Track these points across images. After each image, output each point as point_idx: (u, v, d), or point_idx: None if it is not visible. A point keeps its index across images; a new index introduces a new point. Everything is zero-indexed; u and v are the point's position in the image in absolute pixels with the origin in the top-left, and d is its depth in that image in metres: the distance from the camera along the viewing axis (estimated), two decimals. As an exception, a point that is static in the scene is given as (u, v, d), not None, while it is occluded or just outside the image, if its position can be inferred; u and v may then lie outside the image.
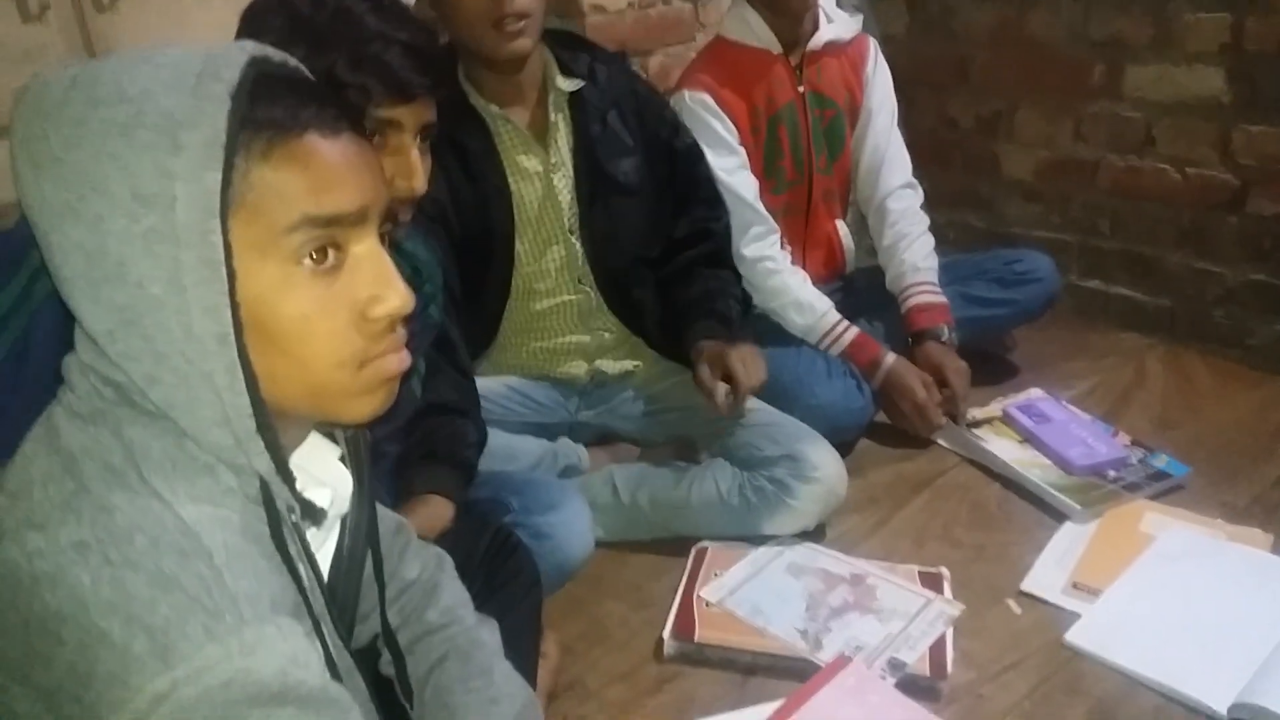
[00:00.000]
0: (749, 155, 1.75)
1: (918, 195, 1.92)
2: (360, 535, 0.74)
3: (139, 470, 0.57)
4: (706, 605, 1.36)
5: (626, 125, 1.56)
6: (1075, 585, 1.38)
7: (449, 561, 0.94)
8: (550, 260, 1.55)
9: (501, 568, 1.15)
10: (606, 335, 1.65)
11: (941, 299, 1.83)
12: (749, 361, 1.47)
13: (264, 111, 0.58)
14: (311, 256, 0.60)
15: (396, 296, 0.63)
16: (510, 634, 1.05)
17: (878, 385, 1.75)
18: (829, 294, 1.87)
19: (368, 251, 0.63)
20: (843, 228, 1.96)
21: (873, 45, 1.87)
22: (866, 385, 1.74)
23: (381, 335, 0.63)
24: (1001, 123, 2.42)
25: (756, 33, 1.73)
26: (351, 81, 0.99)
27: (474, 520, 1.19)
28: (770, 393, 1.63)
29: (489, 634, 0.92)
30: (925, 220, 1.90)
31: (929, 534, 1.53)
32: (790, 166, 1.81)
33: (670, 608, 1.37)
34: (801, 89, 1.77)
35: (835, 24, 1.78)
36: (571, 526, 1.30)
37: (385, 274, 0.63)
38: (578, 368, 1.64)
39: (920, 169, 1.97)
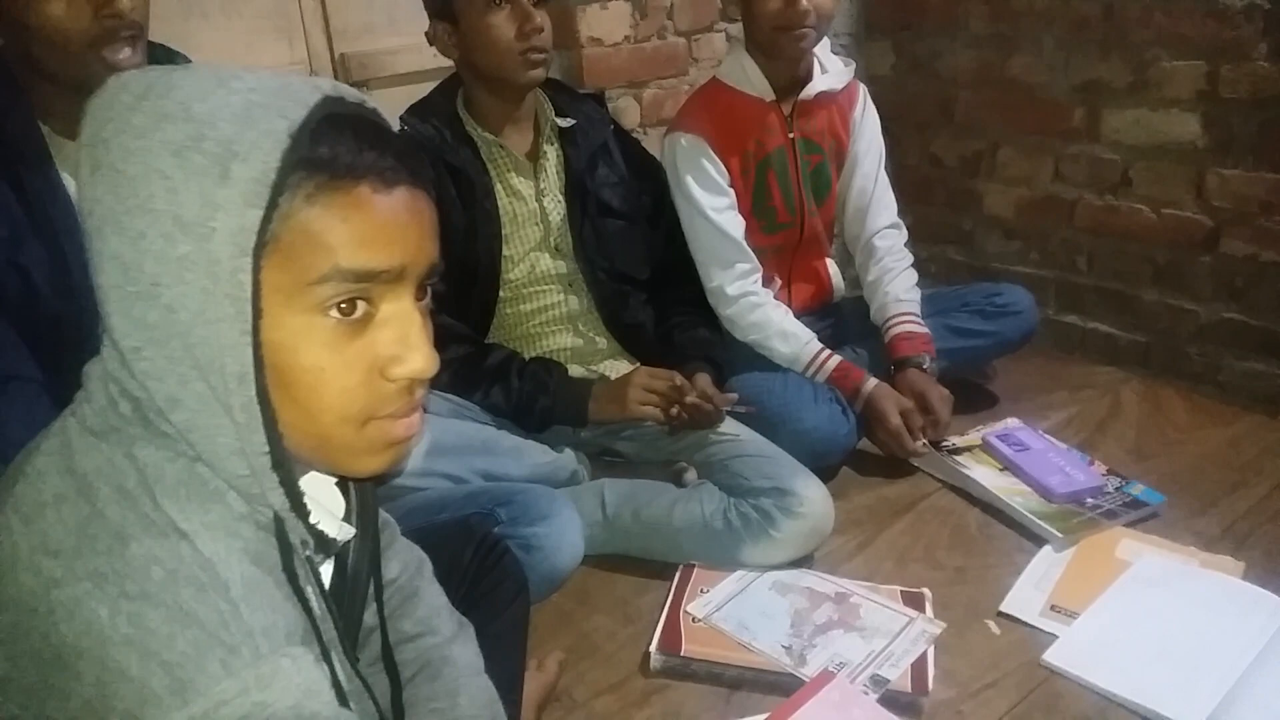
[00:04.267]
0: (738, 196, 1.81)
1: (902, 234, 1.98)
2: (364, 561, 0.74)
3: (152, 495, 0.57)
4: (693, 620, 1.38)
5: (611, 158, 1.72)
6: (1053, 607, 1.41)
7: (428, 566, 0.94)
8: (539, 266, 1.66)
9: (487, 575, 1.16)
10: (599, 341, 1.72)
11: (924, 329, 1.88)
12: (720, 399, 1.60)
13: (321, 154, 0.57)
14: (339, 308, 0.59)
15: (419, 360, 0.62)
16: (495, 641, 1.07)
17: (860, 409, 1.78)
18: (816, 323, 1.93)
19: (399, 310, 0.62)
20: (830, 264, 2.01)
21: (862, 91, 1.94)
22: (851, 411, 1.78)
23: (394, 397, 0.62)
24: (984, 161, 2.49)
25: (752, 80, 1.78)
26: None
27: (460, 528, 1.20)
28: (758, 418, 1.69)
29: (463, 647, 0.91)
30: (909, 257, 1.96)
31: (911, 556, 1.56)
32: (782, 208, 1.87)
33: (657, 622, 1.39)
34: (792, 135, 1.83)
35: (829, 74, 1.84)
36: (561, 537, 1.33)
37: (412, 335, 0.62)
38: (575, 372, 1.68)
39: (904, 205, 2.03)
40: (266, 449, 0.58)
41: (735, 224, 1.80)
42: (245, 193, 0.54)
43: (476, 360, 1.59)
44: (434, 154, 1.57)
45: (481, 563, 1.17)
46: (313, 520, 0.64)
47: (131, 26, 1.04)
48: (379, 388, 0.61)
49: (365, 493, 0.74)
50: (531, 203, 1.65)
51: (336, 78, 1.89)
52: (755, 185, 1.84)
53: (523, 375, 1.58)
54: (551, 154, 1.66)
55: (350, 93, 0.62)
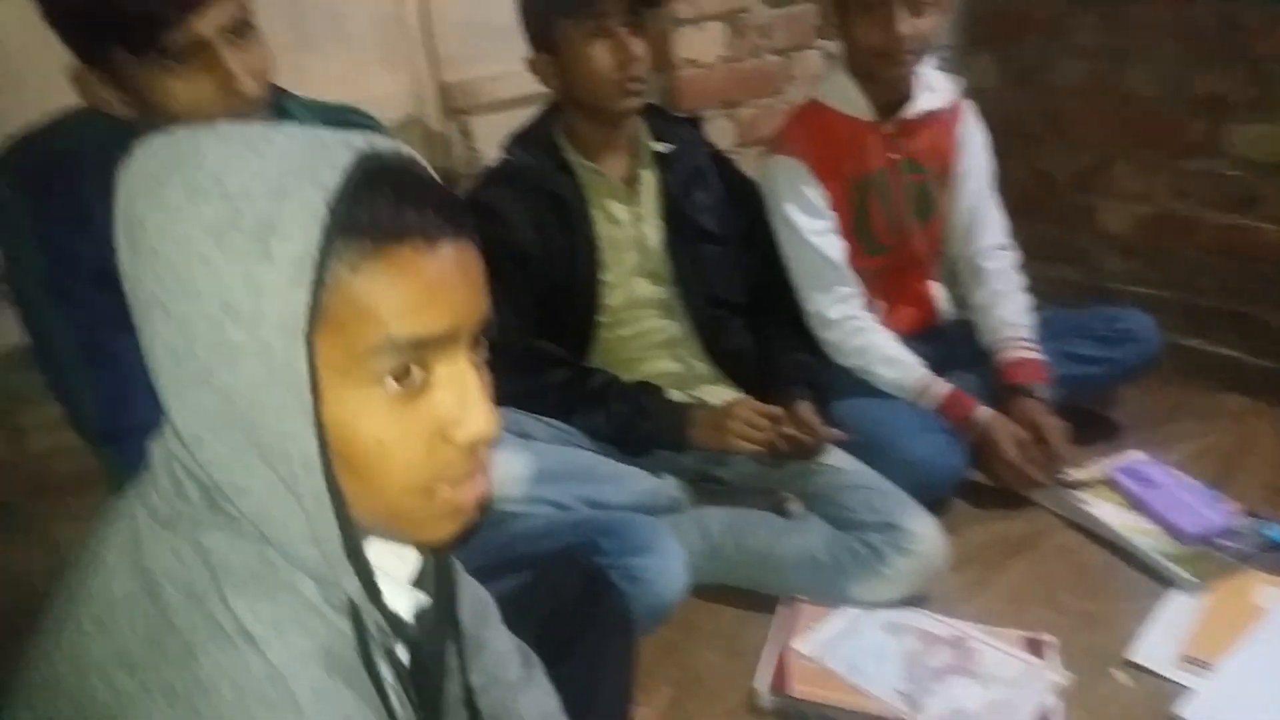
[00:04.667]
0: (838, 218, 1.76)
1: (1012, 255, 1.90)
2: (443, 631, 0.71)
3: (221, 593, 0.55)
4: (801, 659, 1.34)
5: (707, 182, 1.71)
6: (1186, 658, 1.32)
7: (494, 611, 0.90)
8: (637, 291, 1.65)
9: (593, 609, 1.14)
10: (698, 366, 1.70)
11: (1038, 355, 1.80)
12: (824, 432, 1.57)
13: (360, 220, 0.54)
14: (394, 377, 0.57)
15: (480, 421, 0.59)
16: (601, 676, 1.05)
17: (972, 440, 1.71)
18: (920, 348, 1.86)
19: (454, 372, 0.59)
20: (935, 286, 1.94)
21: (968, 109, 1.87)
22: (960, 441, 1.71)
23: (458, 461, 0.60)
24: (1097, 177, 2.38)
25: (852, 100, 1.74)
26: (134, 7, 0.94)
27: (563, 560, 1.19)
28: (863, 446, 1.64)
29: (531, 693, 0.88)
30: (1020, 279, 1.88)
31: (1031, 597, 1.49)
32: (883, 230, 1.81)
33: (763, 658, 1.35)
34: (894, 155, 1.78)
35: (934, 93, 1.78)
36: (665, 568, 1.30)
37: (470, 396, 0.60)
38: (674, 397, 1.65)
39: (1012, 220, 1.95)
40: (339, 536, 0.56)
41: (835, 247, 1.76)
42: (290, 273, 0.52)
43: (577, 384, 1.59)
44: (534, 181, 1.58)
45: (585, 596, 1.15)
46: (386, 599, 0.62)
47: (252, 102, 1.02)
48: (442, 453, 0.59)
49: (442, 559, 0.72)
50: (629, 228, 1.64)
51: (441, 106, 1.92)
52: (856, 207, 1.79)
53: (623, 398, 1.56)
54: (649, 179, 1.66)
55: (385, 145, 0.59)
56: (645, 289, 1.66)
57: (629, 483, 1.53)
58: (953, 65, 2.50)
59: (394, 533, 0.63)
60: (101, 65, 0.99)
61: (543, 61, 1.56)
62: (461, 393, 0.59)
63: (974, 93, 2.45)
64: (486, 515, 0.65)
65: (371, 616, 0.60)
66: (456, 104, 1.91)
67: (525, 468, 1.39)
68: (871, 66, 1.68)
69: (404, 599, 0.67)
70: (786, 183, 1.74)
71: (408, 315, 0.56)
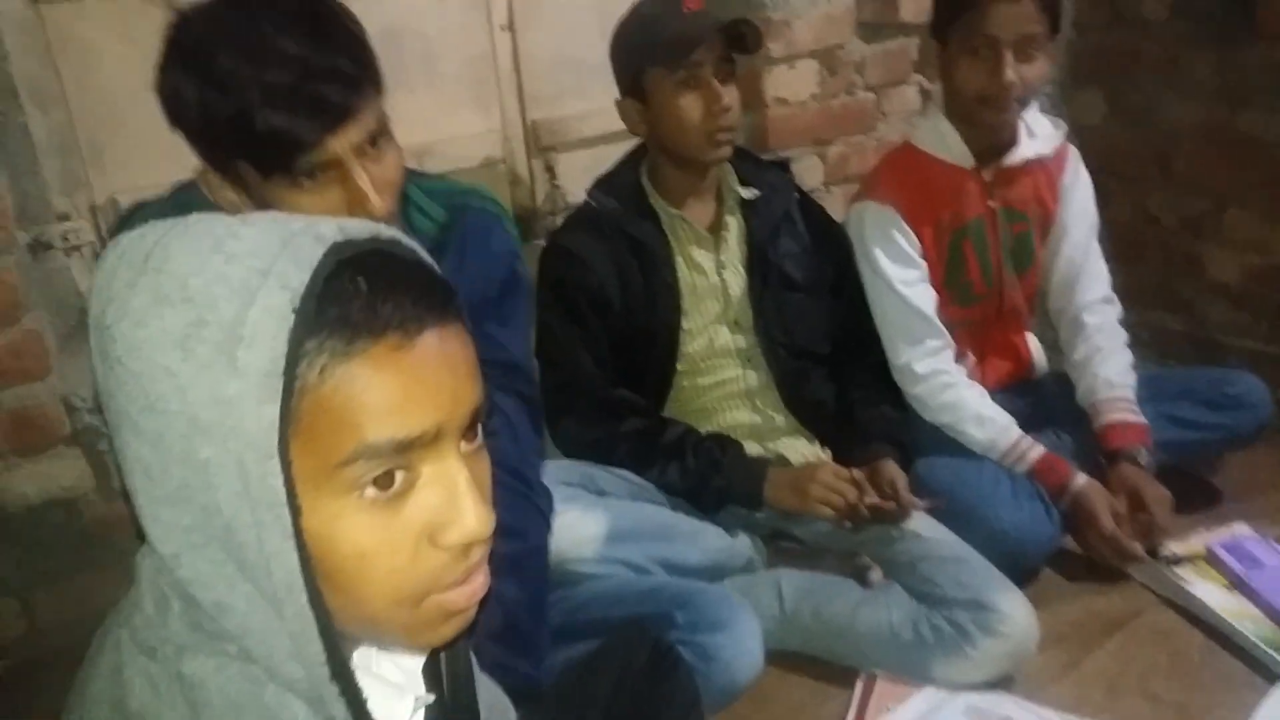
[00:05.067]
0: (930, 268, 1.70)
1: (1115, 309, 1.81)
2: None
3: None
4: (878, 743, 1.29)
5: (795, 230, 1.67)
6: (1296, 765, 1.24)
7: (513, 716, 0.86)
8: (718, 340, 1.61)
9: (661, 685, 1.11)
10: (777, 418, 1.65)
11: (1139, 418, 1.70)
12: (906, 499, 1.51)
13: (330, 318, 0.51)
14: (374, 484, 0.53)
15: (471, 521, 0.55)
16: None
17: (1066, 508, 1.63)
18: (1012, 401, 1.78)
19: (441, 470, 0.55)
20: (1031, 338, 1.86)
21: (1073, 155, 1.79)
22: (1055, 508, 1.63)
23: (449, 566, 0.56)
24: (1207, 222, 2.26)
25: (950, 146, 1.67)
26: (269, 129, 0.88)
27: (633, 631, 1.16)
28: (949, 510, 1.57)
29: None
30: (1123, 335, 1.79)
31: (1124, 685, 1.41)
32: (978, 281, 1.74)
33: (838, 739, 1.30)
34: (992, 203, 1.71)
35: (1036, 139, 1.70)
36: (740, 647, 1.26)
37: (460, 496, 0.55)
38: (751, 449, 1.62)
39: (1114, 265, 1.85)
40: (324, 658, 0.52)
41: (926, 297, 1.69)
42: (258, 385, 0.49)
43: (653, 435, 1.56)
44: (617, 226, 1.56)
45: (654, 670, 1.12)
46: (383, 712, 0.59)
47: (381, 217, 0.96)
48: (430, 559, 0.55)
49: (454, 657, 0.68)
50: (712, 276, 1.61)
51: (527, 143, 1.91)
52: (950, 256, 1.72)
53: (698, 453, 1.53)
54: (734, 225, 1.62)
55: (358, 229, 0.54)
56: (725, 338, 1.63)
57: (704, 541, 1.50)
58: (1056, 101, 2.41)
59: (385, 641, 0.60)
60: (226, 171, 0.96)
61: (630, 107, 1.54)
62: (450, 493, 0.55)
63: (1078, 130, 2.36)
64: (481, 615, 0.61)
65: None
66: (543, 142, 1.91)
67: (599, 526, 1.37)
68: (973, 112, 1.61)
69: (405, 706, 0.63)
70: (877, 229, 1.68)
71: (385, 419, 0.52)
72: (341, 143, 0.93)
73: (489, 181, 1.87)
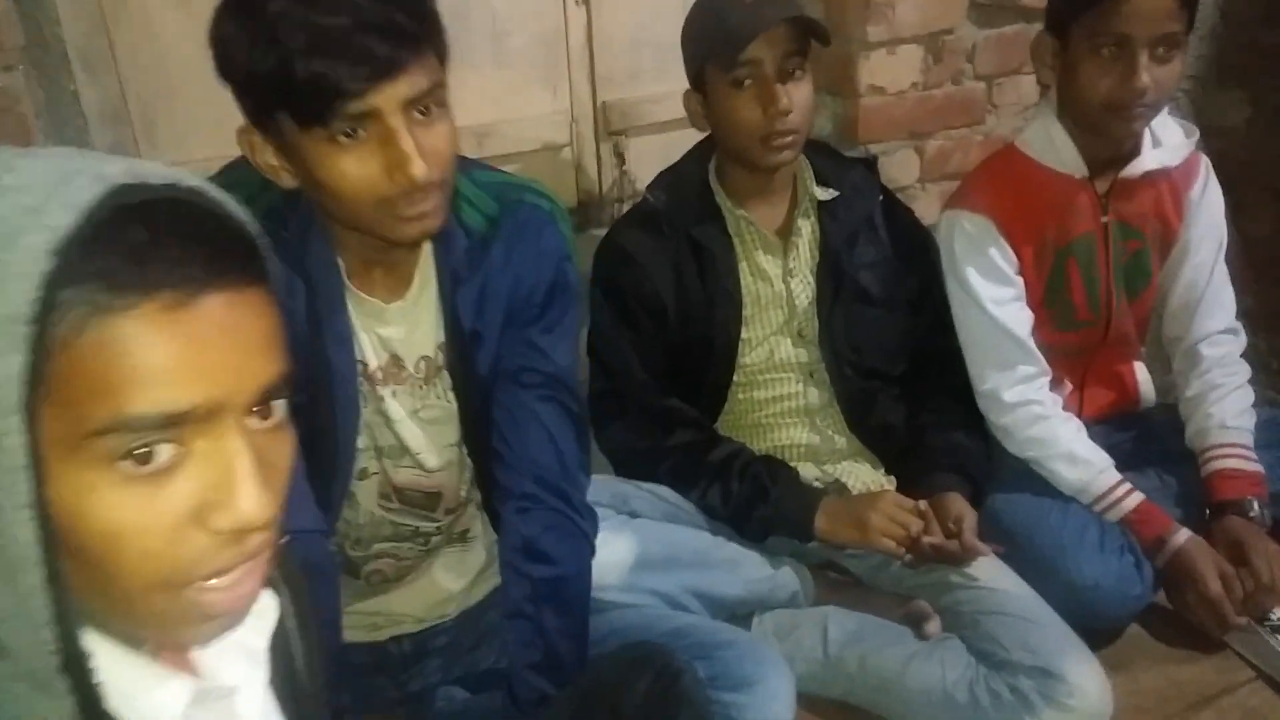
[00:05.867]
0: (1028, 287, 1.52)
1: (1239, 342, 1.60)
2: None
3: None
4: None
5: (876, 237, 1.52)
6: None
7: None
8: (779, 352, 1.50)
9: (666, 712, 1.00)
10: (838, 440, 1.54)
11: (1255, 466, 1.51)
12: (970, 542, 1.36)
13: (94, 269, 0.45)
14: (133, 457, 0.47)
15: (244, 505, 0.49)
16: None
17: (1163, 565, 1.46)
18: (1113, 435, 1.61)
19: (216, 448, 0.49)
20: (1140, 368, 1.67)
21: (1204, 166, 1.57)
22: (1147, 563, 1.46)
23: (214, 552, 0.50)
24: (1357, 243, 2.00)
25: (1061, 153, 1.49)
26: (311, 75, 0.84)
27: (633, 656, 1.06)
28: (1021, 556, 1.43)
29: None
30: (1245, 371, 1.58)
31: (1207, 773, 1.25)
32: (1082, 305, 1.56)
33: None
34: (1106, 219, 1.52)
35: (1163, 149, 1.50)
36: (768, 708, 1.15)
37: (235, 476, 0.49)
38: (807, 471, 1.51)
39: (1245, 284, 1.64)
40: (53, 646, 0.47)
41: (1021, 319, 1.52)
42: (2, 334, 0.43)
43: (700, 452, 1.46)
44: (678, 228, 1.45)
45: (661, 700, 1.01)
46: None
47: (428, 188, 0.92)
48: (193, 542, 0.49)
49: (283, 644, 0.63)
50: (778, 284, 1.48)
51: (596, 126, 1.81)
52: (1051, 276, 1.55)
53: (744, 477, 1.42)
54: (806, 229, 1.49)
55: (155, 173, 0.48)
56: (787, 350, 1.50)
57: (744, 572, 1.40)
58: (1193, 100, 2.17)
59: (141, 634, 0.54)
60: (267, 128, 0.92)
61: (694, 100, 1.43)
62: (224, 473, 0.49)
63: (1216, 132, 2.13)
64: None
65: None
66: (614, 125, 1.80)
67: (627, 553, 1.28)
68: (1097, 120, 1.41)
69: (174, 693, 0.56)
70: (969, 242, 1.51)
71: (148, 389, 0.46)
72: (386, 98, 0.87)
73: (551, 166, 1.78)
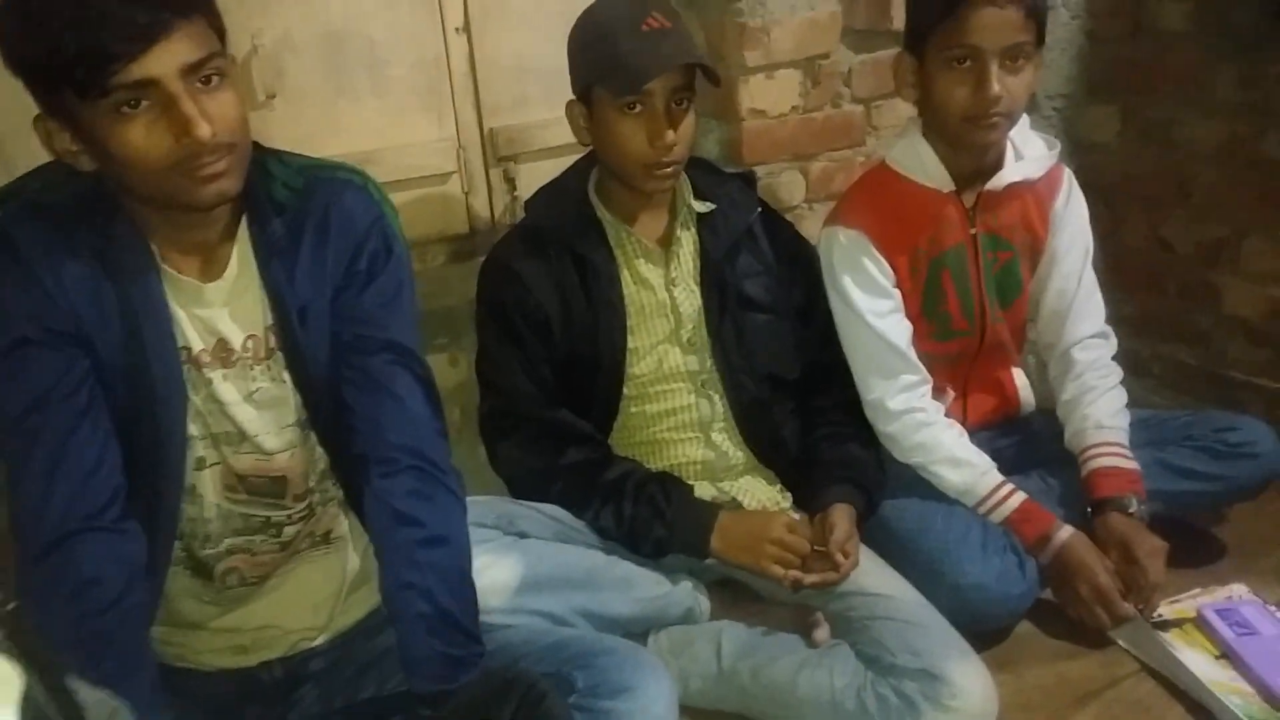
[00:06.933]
0: (905, 299, 1.57)
1: (1109, 345, 1.66)
2: None
3: None
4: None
5: (757, 248, 1.55)
6: None
7: None
8: (668, 362, 1.50)
9: None
10: (733, 454, 1.54)
11: (1131, 464, 1.56)
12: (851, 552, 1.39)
13: None
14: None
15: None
16: None
17: (1048, 562, 1.50)
18: (996, 440, 1.66)
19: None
20: (1018, 374, 1.73)
21: (1066, 177, 1.64)
22: (1030, 563, 1.49)
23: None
24: (1225, 251, 2.10)
25: (927, 168, 1.54)
26: (80, 47, 0.88)
27: (498, 682, 1.04)
28: (909, 560, 1.46)
29: None
30: (1117, 373, 1.64)
31: (1090, 767, 1.28)
32: (957, 314, 1.61)
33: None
34: (974, 230, 1.57)
35: (1025, 161, 1.56)
36: (648, 713, 1.13)
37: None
38: (704, 490, 1.51)
39: (1125, 293, 1.72)
40: None
41: (900, 330, 1.56)
42: None
43: (593, 472, 1.45)
44: (557, 240, 1.46)
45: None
46: None
47: (217, 150, 0.96)
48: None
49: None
50: (661, 292, 1.50)
51: (484, 152, 1.82)
52: (926, 287, 1.59)
53: (638, 499, 1.41)
54: (687, 240, 1.51)
55: None
56: (676, 359, 1.51)
57: (636, 591, 1.39)
58: (1064, 116, 2.26)
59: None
60: (56, 111, 0.95)
61: (578, 112, 1.44)
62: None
63: (1089, 148, 2.22)
64: None
65: None
66: (502, 151, 1.81)
67: (511, 574, 1.27)
68: (957, 131, 1.47)
69: None
70: (846, 257, 1.55)
71: None
72: (160, 64, 0.91)
73: (440, 193, 1.78)
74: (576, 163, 1.53)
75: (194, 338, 1.07)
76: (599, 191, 1.50)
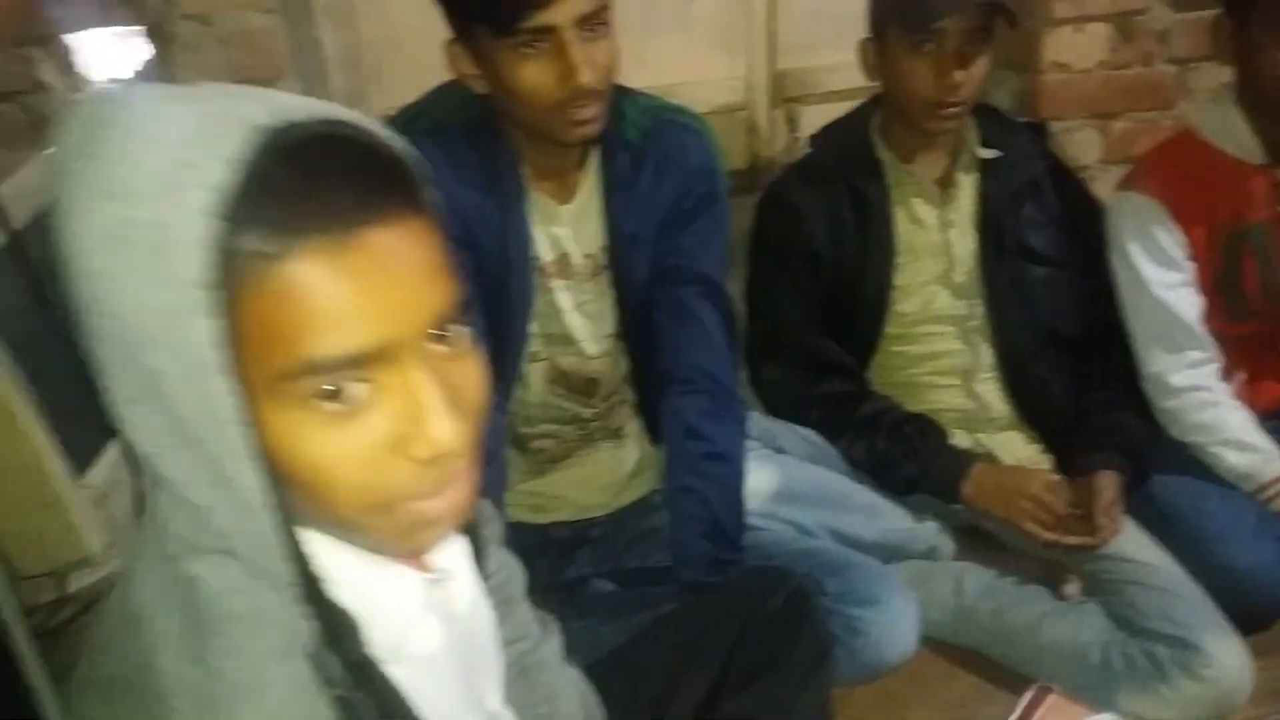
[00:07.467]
0: (1200, 273, 1.49)
1: None
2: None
3: (201, 639, 0.51)
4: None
5: (1042, 201, 1.51)
6: None
7: (521, 577, 0.84)
8: (935, 303, 1.51)
9: (792, 635, 1.06)
10: (994, 407, 1.53)
11: None
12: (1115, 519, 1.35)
13: (255, 218, 0.45)
14: (326, 396, 0.48)
15: (435, 433, 0.50)
16: (795, 705, 1.02)
17: (1325, 556, 1.40)
18: (1289, 432, 1.55)
19: (402, 380, 0.50)
20: (1319, 360, 1.60)
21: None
22: (1309, 555, 1.40)
23: (418, 476, 0.51)
24: None
25: (1239, 137, 1.44)
26: None
27: (773, 575, 1.13)
28: (1174, 538, 1.41)
29: (549, 647, 0.85)
30: None
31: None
32: (1256, 295, 1.50)
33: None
34: None
35: None
36: (892, 628, 1.20)
37: (424, 408, 0.50)
38: (959, 440, 1.52)
39: None
40: (289, 579, 0.51)
41: (1189, 303, 1.48)
42: (190, 299, 0.45)
43: (850, 404, 1.49)
44: (836, 175, 1.50)
45: (788, 617, 1.07)
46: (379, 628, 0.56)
47: (591, 94, 1.08)
48: (397, 470, 0.50)
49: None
50: (934, 233, 1.49)
51: (771, 92, 1.88)
52: (1224, 263, 1.50)
53: (893, 436, 1.45)
54: (967, 184, 1.49)
55: (295, 109, 0.48)
56: (945, 301, 1.51)
57: (883, 520, 1.43)
58: None
59: (369, 544, 0.56)
60: (467, 40, 1.10)
61: (870, 50, 1.45)
62: (413, 405, 0.50)
63: None
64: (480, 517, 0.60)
65: (332, 662, 0.53)
66: (788, 92, 1.87)
67: (768, 482, 1.35)
68: (1277, 102, 1.38)
69: (410, 586, 0.61)
70: (1136, 224, 1.49)
71: (324, 333, 0.47)
72: (564, 14, 1.02)
73: (725, 128, 1.86)
74: (864, 103, 1.56)
75: (544, 251, 1.23)
76: (882, 131, 1.51)
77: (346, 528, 0.54)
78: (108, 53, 1.49)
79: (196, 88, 0.50)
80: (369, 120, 0.51)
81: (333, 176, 0.47)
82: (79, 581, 1.17)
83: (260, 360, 0.47)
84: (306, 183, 0.47)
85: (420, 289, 0.50)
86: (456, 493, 0.54)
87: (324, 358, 0.47)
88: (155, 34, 1.50)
